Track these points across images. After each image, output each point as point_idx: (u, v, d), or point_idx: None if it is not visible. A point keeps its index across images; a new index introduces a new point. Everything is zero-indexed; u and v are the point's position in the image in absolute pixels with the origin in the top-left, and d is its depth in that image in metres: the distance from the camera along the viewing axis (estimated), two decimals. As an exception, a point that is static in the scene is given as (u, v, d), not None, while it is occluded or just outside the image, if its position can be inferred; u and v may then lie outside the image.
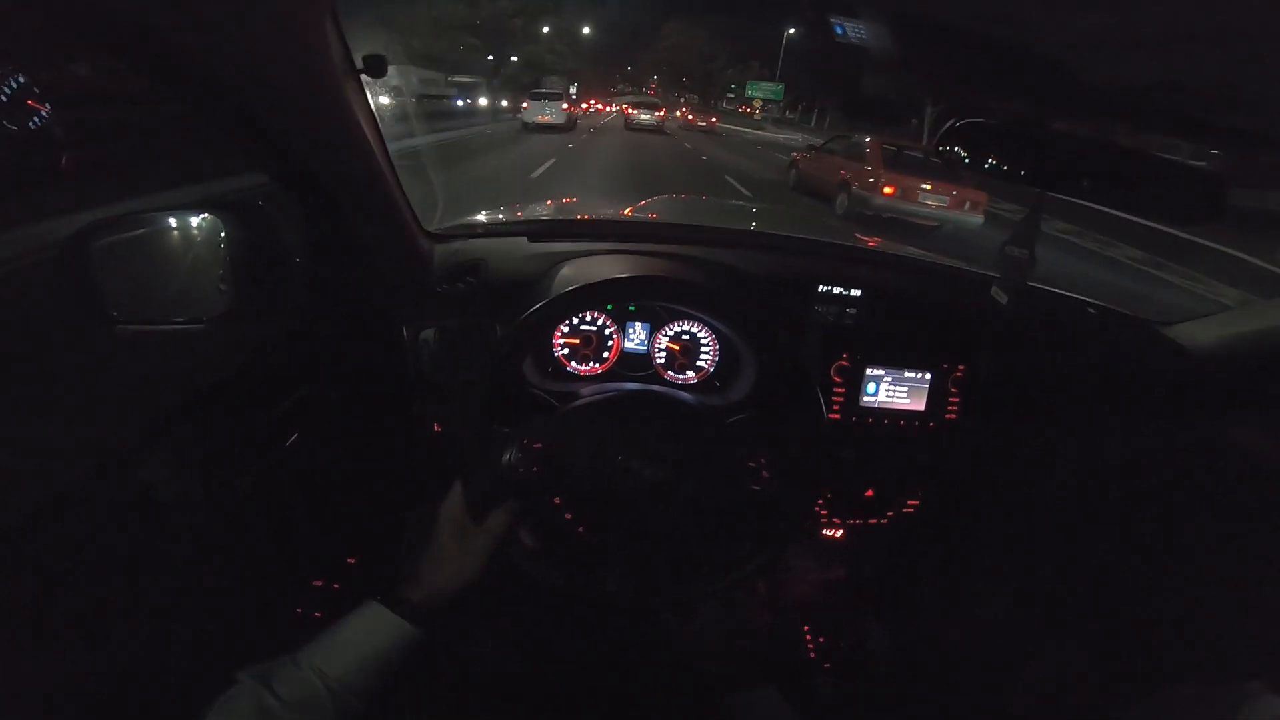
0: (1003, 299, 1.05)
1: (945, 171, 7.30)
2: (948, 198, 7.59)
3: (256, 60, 0.62)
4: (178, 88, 0.63)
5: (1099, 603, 1.26)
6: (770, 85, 38.12)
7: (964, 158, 0.88)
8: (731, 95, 54.99)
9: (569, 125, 19.15)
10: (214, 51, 0.59)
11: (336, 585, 1.14)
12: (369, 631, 0.70)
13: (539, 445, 0.79)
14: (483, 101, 23.39)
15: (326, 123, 0.75)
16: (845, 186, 8.29)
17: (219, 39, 0.57)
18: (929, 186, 7.57)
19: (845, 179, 8.32)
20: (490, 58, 36.72)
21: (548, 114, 18.19)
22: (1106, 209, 0.96)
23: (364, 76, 0.79)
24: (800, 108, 40.23)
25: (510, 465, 0.78)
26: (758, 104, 38.04)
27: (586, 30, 58.86)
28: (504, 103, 25.31)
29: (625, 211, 1.62)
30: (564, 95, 20.49)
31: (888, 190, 7.68)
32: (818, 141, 11.61)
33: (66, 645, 0.63)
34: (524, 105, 19.04)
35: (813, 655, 1.27)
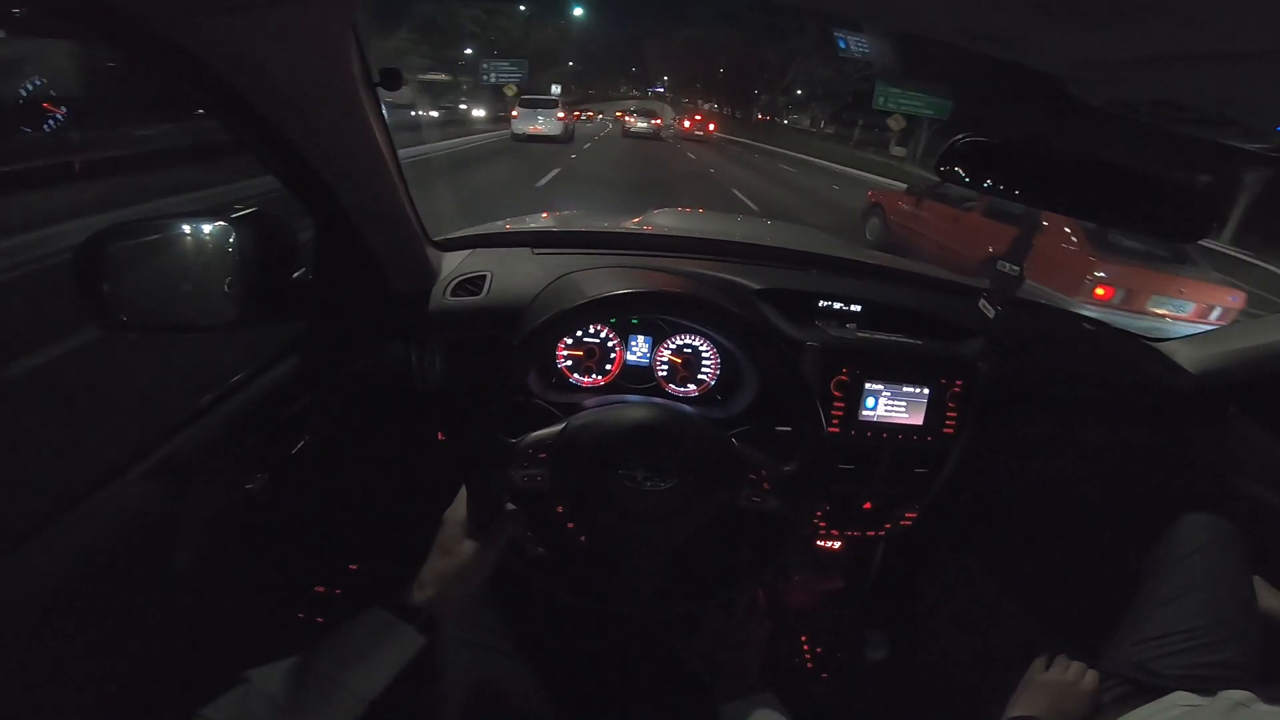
0: (990, 312, 1.06)
1: (1179, 252, 4.55)
2: (1192, 302, 4.62)
3: (278, 71, 0.64)
4: (198, 95, 0.64)
5: (1095, 612, 1.27)
6: (925, 97, 18.72)
7: (964, 177, 0.90)
8: (785, 101, 38.57)
9: (565, 136, 17.12)
10: (236, 61, 0.60)
11: (339, 591, 1.14)
12: (375, 636, 0.71)
13: (543, 456, 0.80)
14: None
15: (343, 133, 0.76)
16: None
17: (241, 49, 0.59)
18: (1169, 284, 4.47)
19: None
20: (469, 51, 30.36)
21: (540, 124, 16.31)
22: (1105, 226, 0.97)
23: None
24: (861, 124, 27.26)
25: (515, 476, 0.79)
26: (895, 124, 20.11)
27: (578, 11, 48.43)
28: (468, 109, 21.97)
29: (629, 223, 1.63)
30: (559, 102, 17.65)
31: (1101, 292, 4.50)
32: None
33: (72, 647, 0.63)
34: (513, 114, 17.15)
35: (810, 664, 1.28)
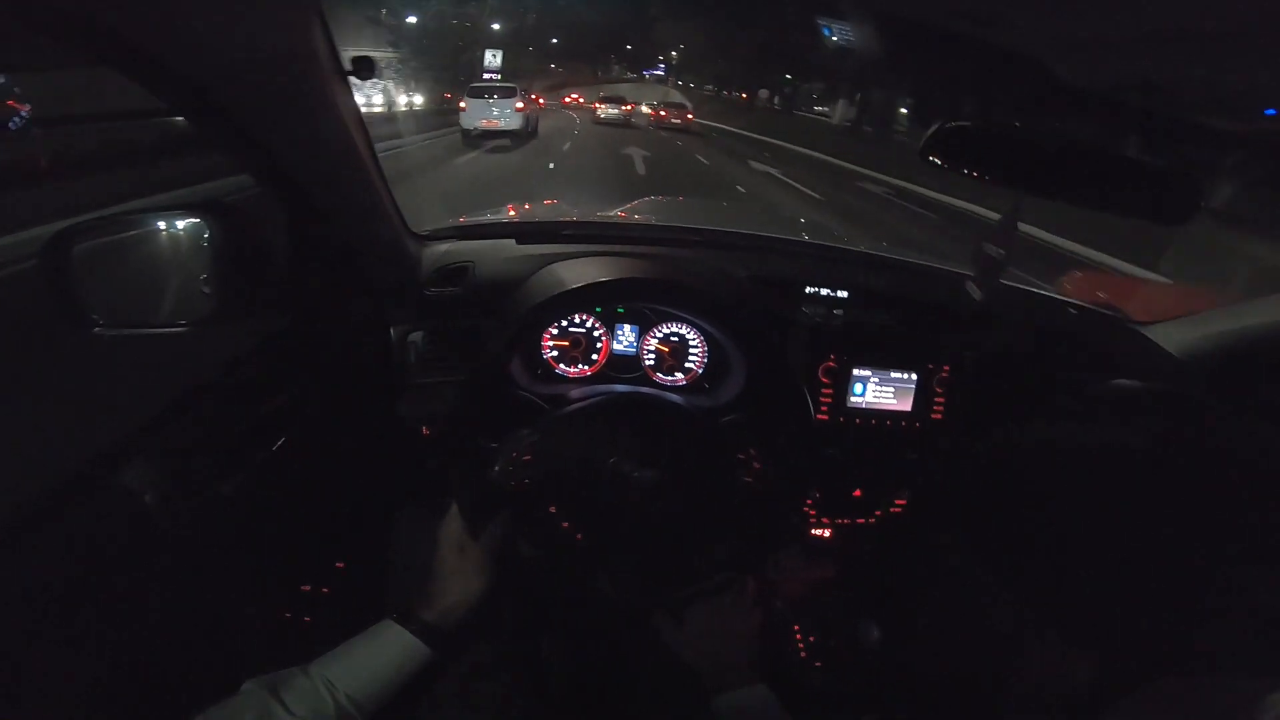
0: (976, 295, 1.06)
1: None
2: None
3: (243, 61, 0.62)
4: (162, 89, 0.62)
5: (1087, 598, 1.28)
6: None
7: (943, 165, 0.89)
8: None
9: (527, 131, 13.68)
10: (200, 53, 0.58)
11: (325, 590, 1.13)
12: (382, 649, 0.71)
13: (528, 457, 0.79)
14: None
15: (313, 124, 0.75)
16: None
17: (205, 40, 0.57)
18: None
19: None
20: (413, 20, 21.41)
21: (495, 116, 12.86)
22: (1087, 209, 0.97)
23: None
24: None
25: (501, 479, 0.78)
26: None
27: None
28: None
29: (614, 213, 1.62)
30: (517, 90, 13.67)
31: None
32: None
33: (52, 652, 0.62)
34: (461, 106, 13.38)
35: (803, 654, 1.28)
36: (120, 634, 0.69)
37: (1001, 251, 1.00)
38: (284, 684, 0.65)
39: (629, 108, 24.43)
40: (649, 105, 31.13)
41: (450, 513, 0.82)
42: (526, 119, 13.64)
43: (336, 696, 0.65)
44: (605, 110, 23.31)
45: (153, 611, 0.73)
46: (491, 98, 13.13)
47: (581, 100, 24.68)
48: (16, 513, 0.61)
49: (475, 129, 12.80)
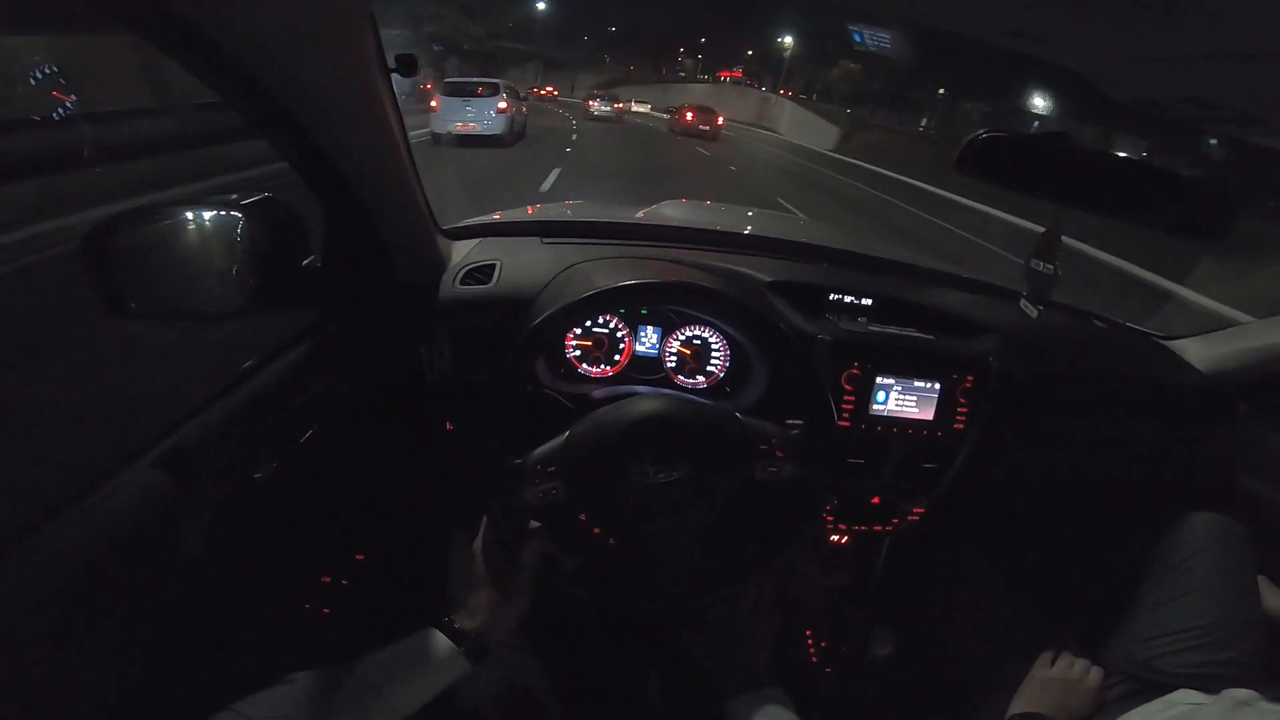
0: (1032, 313, 1.05)
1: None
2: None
3: (293, 56, 0.63)
4: (210, 78, 0.63)
5: (1101, 609, 1.26)
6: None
7: (982, 175, 0.88)
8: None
9: (511, 136, 12.02)
10: (252, 46, 0.59)
11: (345, 582, 1.14)
12: (425, 658, 0.72)
13: (552, 470, 0.79)
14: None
15: (358, 120, 0.76)
16: None
17: (258, 29, 0.58)
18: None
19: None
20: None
21: (471, 119, 11.07)
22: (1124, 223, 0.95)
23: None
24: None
25: (530, 494, 0.79)
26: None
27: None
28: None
29: (639, 213, 1.62)
30: (500, 87, 11.80)
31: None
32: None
33: (83, 638, 0.63)
34: (432, 105, 11.44)
35: (816, 659, 1.28)
36: (147, 620, 0.71)
37: (1050, 267, 0.99)
38: (329, 680, 0.67)
39: (620, 106, 26.85)
40: (641, 104, 31.02)
41: (484, 532, 0.84)
42: (510, 121, 11.84)
43: (378, 699, 0.67)
44: (598, 108, 25.14)
45: (178, 598, 0.74)
46: (468, 97, 11.30)
47: (591, 103, 26.32)
48: (50, 501, 0.62)
49: (448, 133, 11.02)
